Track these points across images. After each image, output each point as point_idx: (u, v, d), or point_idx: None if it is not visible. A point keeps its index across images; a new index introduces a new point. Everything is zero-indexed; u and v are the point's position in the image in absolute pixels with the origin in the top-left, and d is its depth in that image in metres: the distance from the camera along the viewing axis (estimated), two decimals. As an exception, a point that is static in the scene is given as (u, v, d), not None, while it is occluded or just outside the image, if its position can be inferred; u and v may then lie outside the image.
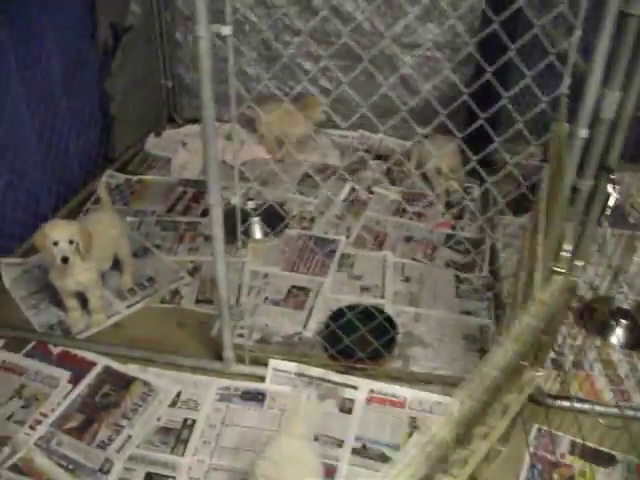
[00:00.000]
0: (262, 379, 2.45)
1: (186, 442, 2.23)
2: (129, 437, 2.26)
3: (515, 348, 1.29)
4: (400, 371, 2.53)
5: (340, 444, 2.25)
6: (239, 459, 2.18)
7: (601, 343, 2.59)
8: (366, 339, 2.42)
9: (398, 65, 3.85)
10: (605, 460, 2.20)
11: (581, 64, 1.81)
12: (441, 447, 1.05)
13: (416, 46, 3.79)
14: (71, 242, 2.38)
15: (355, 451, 2.23)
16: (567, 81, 1.84)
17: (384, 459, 2.21)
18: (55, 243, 2.35)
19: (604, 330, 2.62)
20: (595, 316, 2.44)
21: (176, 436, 2.26)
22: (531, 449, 2.25)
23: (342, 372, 2.47)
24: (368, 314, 2.56)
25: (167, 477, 2.14)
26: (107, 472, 2.16)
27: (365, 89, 2.09)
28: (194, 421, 2.30)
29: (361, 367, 2.47)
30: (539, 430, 2.31)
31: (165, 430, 2.28)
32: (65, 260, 2.36)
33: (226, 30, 1.69)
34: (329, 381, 2.45)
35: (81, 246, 2.41)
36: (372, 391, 2.42)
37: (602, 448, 2.24)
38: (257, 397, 2.39)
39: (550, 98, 1.94)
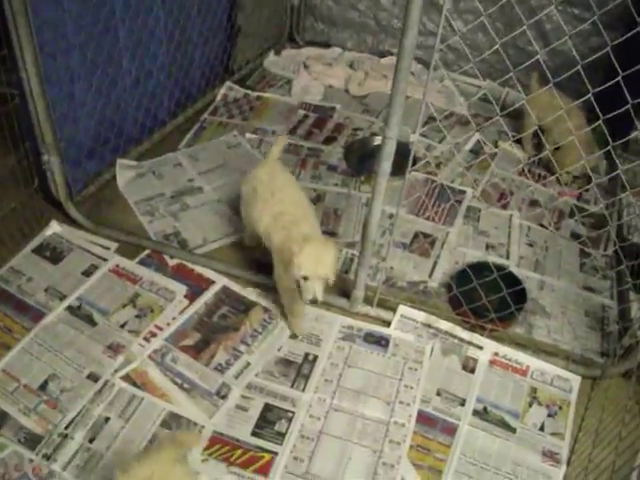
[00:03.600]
0: (387, 324, 2.33)
1: (307, 378, 2.14)
2: (248, 364, 2.17)
3: None
4: (525, 338, 2.39)
5: (462, 403, 2.14)
6: (361, 403, 2.08)
7: None
8: (493, 300, 2.27)
9: (542, 19, 3.60)
10: None
11: None
12: None
13: (565, 2, 3.54)
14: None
15: (476, 412, 2.12)
16: None
17: (504, 425, 2.10)
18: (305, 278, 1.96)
19: None
20: None
21: (297, 370, 2.17)
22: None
23: (469, 330, 2.33)
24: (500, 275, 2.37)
25: (286, 411, 2.05)
26: (224, 397, 2.08)
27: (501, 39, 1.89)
28: (316, 357, 2.20)
29: (491, 328, 2.32)
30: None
31: (285, 362, 2.19)
32: (314, 301, 1.98)
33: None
34: (455, 337, 2.32)
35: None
36: (496, 354, 2.29)
37: None
38: (380, 342, 2.27)
39: None
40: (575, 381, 2.24)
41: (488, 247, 2.77)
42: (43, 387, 2.10)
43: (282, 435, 2.00)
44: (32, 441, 1.97)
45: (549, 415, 2.16)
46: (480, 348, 2.29)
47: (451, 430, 2.07)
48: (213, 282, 2.43)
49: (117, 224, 2.66)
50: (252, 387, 2.11)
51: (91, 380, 2.12)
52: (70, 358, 2.17)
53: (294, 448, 1.97)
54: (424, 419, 2.08)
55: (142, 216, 2.73)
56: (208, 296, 2.38)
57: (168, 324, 2.28)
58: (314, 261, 1.92)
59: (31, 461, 1.92)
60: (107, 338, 2.24)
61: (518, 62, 1.92)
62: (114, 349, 2.19)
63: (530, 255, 2.77)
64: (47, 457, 1.93)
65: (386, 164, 1.90)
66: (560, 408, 2.18)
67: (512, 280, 2.45)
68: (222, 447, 1.96)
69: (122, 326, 2.27)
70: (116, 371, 2.13)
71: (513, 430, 2.09)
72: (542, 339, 2.40)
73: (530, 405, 2.18)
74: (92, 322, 2.29)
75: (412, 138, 1.82)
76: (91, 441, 1.97)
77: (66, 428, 2.00)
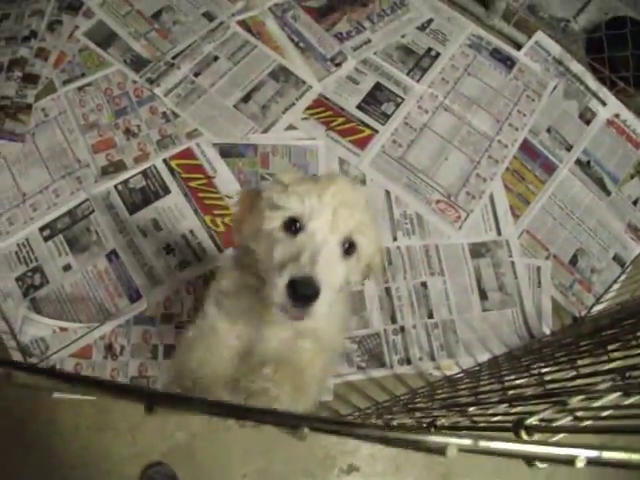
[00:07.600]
0: (518, 46, 2.17)
1: (425, 70, 2.04)
2: (368, 40, 2.07)
3: None
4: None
5: (568, 148, 2.05)
6: (471, 112, 2.00)
7: None
8: (633, 59, 2.09)
9: None
10: None
11: None
12: None
13: None
14: None
15: (579, 162, 2.03)
16: None
17: (601, 185, 2.02)
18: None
19: None
20: None
21: (416, 60, 2.06)
22: None
23: (599, 81, 2.17)
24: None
25: (396, 95, 1.98)
26: (338, 64, 2.01)
27: None
28: (438, 54, 2.08)
29: (622, 88, 2.15)
30: None
31: (407, 50, 2.08)
32: None
33: None
34: (582, 83, 2.16)
35: None
36: (617, 116, 2.15)
37: None
38: (506, 62, 2.13)
39: None
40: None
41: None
42: (156, 16, 2.06)
43: (387, 116, 1.95)
44: (138, 64, 1.96)
45: (647, 193, 2.07)
46: (603, 104, 2.15)
47: (550, 168, 2.00)
48: None
49: None
50: (368, 63, 2.02)
51: (206, 19, 2.06)
52: None
53: (395, 132, 1.92)
54: (527, 149, 2.01)
55: None
56: None
57: None
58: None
59: (134, 82, 1.93)
60: None
61: None
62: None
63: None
64: (150, 81, 1.93)
65: None
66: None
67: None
68: (325, 111, 1.92)
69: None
70: (233, 15, 2.06)
71: (608, 193, 2.02)
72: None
73: (632, 177, 2.08)
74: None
75: None
76: (196, 75, 1.95)
77: (174, 58, 1.98)
